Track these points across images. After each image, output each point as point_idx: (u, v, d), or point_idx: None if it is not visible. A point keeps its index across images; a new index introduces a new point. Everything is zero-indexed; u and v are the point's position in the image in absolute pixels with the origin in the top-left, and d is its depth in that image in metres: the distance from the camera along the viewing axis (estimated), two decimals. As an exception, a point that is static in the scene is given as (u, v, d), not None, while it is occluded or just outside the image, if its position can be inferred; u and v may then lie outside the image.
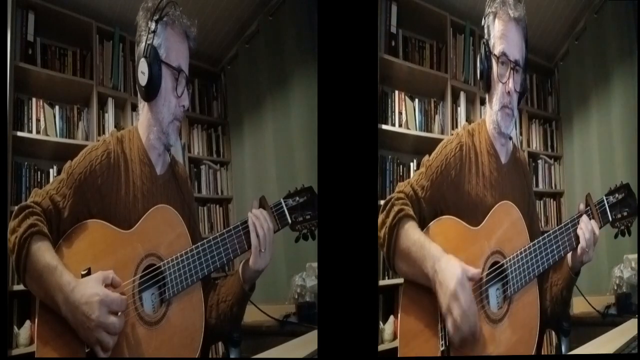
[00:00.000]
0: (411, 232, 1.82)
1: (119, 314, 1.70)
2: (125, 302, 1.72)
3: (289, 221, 1.90)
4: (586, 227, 1.91)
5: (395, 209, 1.84)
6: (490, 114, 1.95)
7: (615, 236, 2.01)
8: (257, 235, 1.83)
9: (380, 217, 1.87)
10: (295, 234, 1.93)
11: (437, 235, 1.84)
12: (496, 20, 1.94)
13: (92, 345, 1.69)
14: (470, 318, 1.77)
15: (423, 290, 1.81)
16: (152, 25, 1.83)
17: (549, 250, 1.91)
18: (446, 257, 1.78)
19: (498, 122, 1.92)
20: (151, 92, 1.83)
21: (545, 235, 1.93)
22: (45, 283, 1.69)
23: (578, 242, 1.91)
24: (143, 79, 1.82)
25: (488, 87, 1.95)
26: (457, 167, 1.90)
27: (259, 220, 1.84)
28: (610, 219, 1.99)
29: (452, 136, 1.97)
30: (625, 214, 2.00)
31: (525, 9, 1.94)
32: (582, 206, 1.96)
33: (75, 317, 1.67)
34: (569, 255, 1.92)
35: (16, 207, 1.76)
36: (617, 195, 2.00)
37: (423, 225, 1.86)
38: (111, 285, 1.72)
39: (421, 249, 1.80)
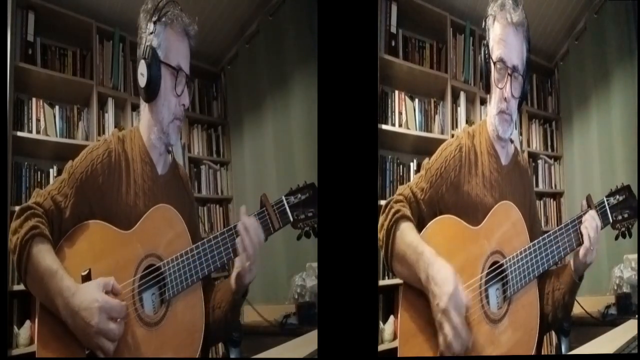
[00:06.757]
0: (406, 233, 1.82)
1: (119, 320, 1.70)
2: (125, 308, 1.72)
3: (291, 219, 1.91)
4: (591, 225, 1.90)
5: (393, 210, 1.85)
6: (490, 116, 1.95)
7: (616, 238, 2.00)
8: (245, 250, 1.82)
9: (380, 220, 1.88)
10: (297, 232, 1.93)
11: (436, 234, 1.84)
12: (495, 23, 1.93)
13: (92, 349, 1.69)
14: (462, 334, 1.76)
15: (422, 289, 1.81)
16: (151, 27, 1.84)
17: (549, 250, 1.91)
18: (438, 264, 1.76)
19: (496, 126, 1.93)
20: (151, 93, 1.84)
21: (545, 235, 1.92)
22: (46, 286, 1.69)
23: (580, 242, 1.91)
24: (142, 81, 1.83)
25: (487, 89, 1.95)
26: (457, 168, 1.90)
27: (248, 234, 1.82)
28: (611, 220, 1.98)
29: (451, 139, 1.97)
30: (626, 215, 1.99)
31: (524, 14, 1.93)
32: (584, 203, 1.95)
33: (75, 322, 1.68)
34: (572, 260, 1.91)
35: (18, 208, 1.76)
36: (618, 196, 1.99)
37: (422, 227, 1.86)
38: (111, 292, 1.72)
39: (414, 253, 1.79)
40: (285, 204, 1.90)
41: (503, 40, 1.93)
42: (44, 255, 1.70)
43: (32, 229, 1.71)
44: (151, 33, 1.83)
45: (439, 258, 1.77)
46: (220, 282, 1.93)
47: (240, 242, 1.82)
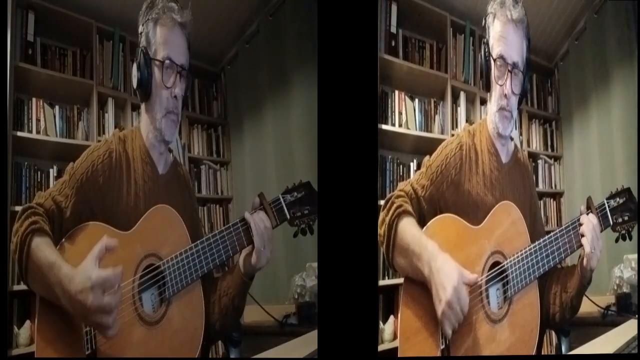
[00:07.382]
0: (409, 227, 1.83)
1: (116, 287, 1.68)
2: (120, 274, 1.69)
3: (288, 217, 1.92)
4: (589, 229, 1.90)
5: (395, 205, 1.85)
6: (490, 114, 1.95)
7: (616, 240, 2.01)
8: (257, 229, 1.84)
9: (381, 216, 1.88)
10: (294, 229, 1.94)
11: (437, 232, 1.84)
12: (495, 21, 1.94)
13: (93, 327, 1.70)
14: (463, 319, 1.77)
15: (423, 288, 1.81)
16: (141, 27, 1.87)
17: (549, 252, 1.91)
18: (442, 257, 1.78)
19: (496, 124, 1.93)
20: (144, 92, 1.87)
21: (547, 237, 1.92)
22: (46, 279, 1.69)
23: (580, 243, 1.90)
24: (135, 82, 1.87)
25: (488, 87, 1.96)
26: (458, 166, 1.91)
27: (254, 220, 1.86)
28: (611, 222, 1.98)
29: (452, 137, 1.97)
30: (626, 218, 1.99)
31: (524, 11, 1.94)
32: (583, 208, 1.95)
33: (74, 307, 1.68)
34: (578, 268, 1.91)
35: (20, 209, 1.77)
36: (618, 199, 1.99)
37: (423, 224, 1.86)
38: (106, 250, 1.70)
39: (418, 245, 1.80)
40: (282, 201, 1.91)
41: (503, 37, 1.93)
42: (42, 247, 1.71)
43: (31, 224, 1.72)
44: (141, 33, 1.87)
45: (442, 252, 1.78)
46: (224, 275, 1.93)
47: (252, 222, 1.85)
